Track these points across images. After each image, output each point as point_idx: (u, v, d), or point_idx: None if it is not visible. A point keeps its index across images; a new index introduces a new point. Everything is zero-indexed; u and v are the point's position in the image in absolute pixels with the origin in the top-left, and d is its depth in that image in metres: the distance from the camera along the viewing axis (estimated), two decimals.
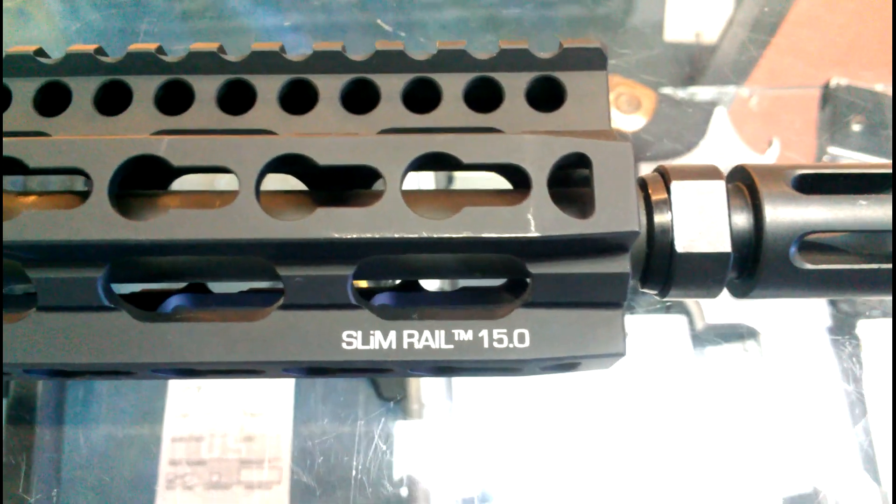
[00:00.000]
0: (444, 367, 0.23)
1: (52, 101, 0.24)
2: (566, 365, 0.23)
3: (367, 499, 0.59)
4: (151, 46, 0.24)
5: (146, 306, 0.25)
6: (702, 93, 0.86)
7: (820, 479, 0.58)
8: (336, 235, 0.20)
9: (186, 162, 0.21)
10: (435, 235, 0.20)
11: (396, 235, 0.20)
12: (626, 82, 0.82)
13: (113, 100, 0.24)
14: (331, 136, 0.21)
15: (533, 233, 0.20)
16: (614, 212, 0.20)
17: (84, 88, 0.24)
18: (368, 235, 0.20)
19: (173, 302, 0.26)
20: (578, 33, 0.92)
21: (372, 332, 0.22)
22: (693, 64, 0.97)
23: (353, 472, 0.59)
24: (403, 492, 0.59)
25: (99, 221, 0.20)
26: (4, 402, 0.59)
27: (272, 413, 0.62)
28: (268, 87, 0.24)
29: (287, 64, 0.24)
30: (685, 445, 0.59)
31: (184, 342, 0.22)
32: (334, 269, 0.21)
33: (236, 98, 0.24)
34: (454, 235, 0.20)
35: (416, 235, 0.20)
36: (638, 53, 0.94)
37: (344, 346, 0.22)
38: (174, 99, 0.24)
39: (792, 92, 0.83)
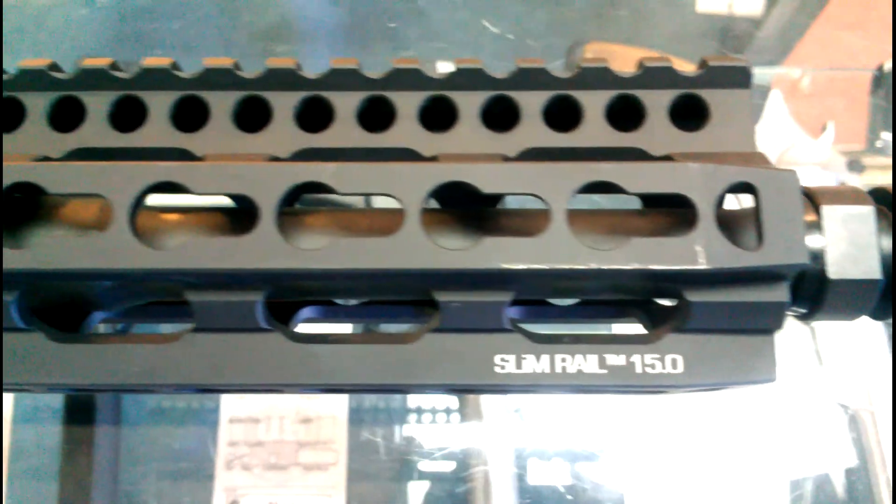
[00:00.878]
0: (589, 388, 0.23)
1: (191, 115, 0.24)
2: (711, 386, 0.23)
3: (422, 477, 0.60)
4: (290, 62, 0.24)
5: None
6: None
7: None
8: (505, 266, 0.20)
9: (351, 189, 0.20)
10: (604, 267, 0.20)
11: (566, 267, 0.20)
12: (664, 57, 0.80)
13: (251, 116, 0.24)
14: (492, 164, 0.21)
15: (702, 265, 0.20)
16: (783, 244, 0.20)
17: (222, 104, 0.24)
18: (538, 267, 0.20)
19: (304, 314, 0.26)
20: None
21: (524, 355, 0.22)
22: (728, 37, 0.95)
23: (409, 454, 0.60)
24: (458, 470, 0.59)
25: (267, 250, 0.20)
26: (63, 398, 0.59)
27: (328, 395, 0.62)
28: (408, 103, 0.24)
29: (428, 81, 0.24)
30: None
31: (337, 364, 0.22)
32: (493, 296, 0.21)
33: (375, 115, 0.24)
34: (624, 267, 0.20)
35: (584, 267, 0.20)
36: (668, 24, 0.92)
37: (497, 369, 0.22)
38: (313, 115, 0.24)
39: (842, 73, 0.82)
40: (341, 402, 0.62)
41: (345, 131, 0.24)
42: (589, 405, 0.61)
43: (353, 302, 0.27)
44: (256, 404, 0.62)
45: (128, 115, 0.24)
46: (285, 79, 0.23)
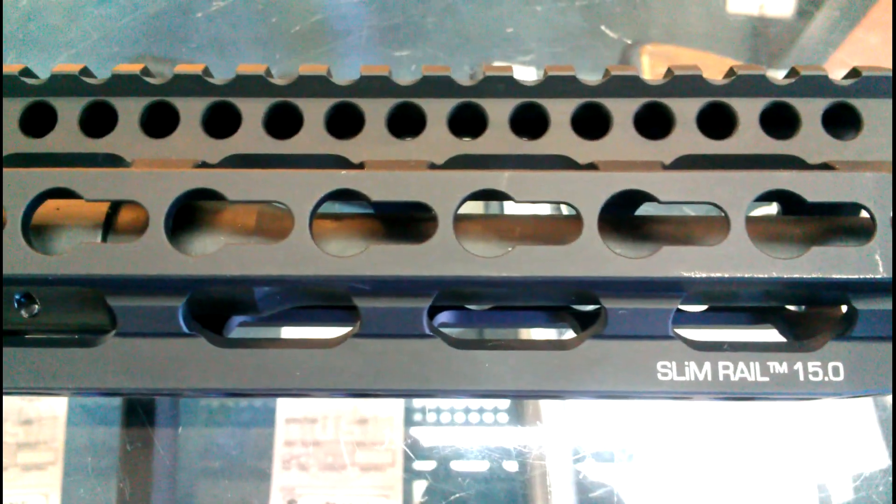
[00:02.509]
0: (749, 395, 0.23)
1: (283, 122, 0.24)
2: (865, 394, 0.23)
3: (479, 479, 0.60)
4: (444, 69, 0.24)
5: None
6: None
7: None
8: (685, 274, 0.20)
9: (526, 196, 0.21)
10: (785, 276, 0.20)
11: (747, 275, 0.20)
12: (702, 55, 0.78)
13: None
14: (668, 172, 0.21)
15: (882, 274, 0.20)
16: None
17: (377, 110, 0.24)
18: (717, 275, 0.20)
19: (442, 318, 0.26)
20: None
21: (686, 362, 0.22)
22: (759, 40, 0.95)
23: (465, 455, 0.60)
24: (517, 471, 0.60)
25: (447, 257, 0.20)
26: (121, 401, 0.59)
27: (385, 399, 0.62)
28: (561, 110, 0.24)
29: (581, 88, 0.24)
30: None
31: (498, 370, 0.22)
32: (661, 303, 0.21)
33: (527, 122, 0.24)
34: (805, 276, 0.20)
35: (765, 276, 0.20)
36: (699, 24, 0.92)
37: (659, 376, 0.22)
38: (464, 122, 0.24)
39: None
40: (397, 402, 0.62)
41: (498, 138, 0.24)
42: (626, 408, 0.62)
43: (484, 307, 0.27)
44: (313, 404, 0.63)
45: (283, 122, 0.24)
46: (439, 86, 0.24)
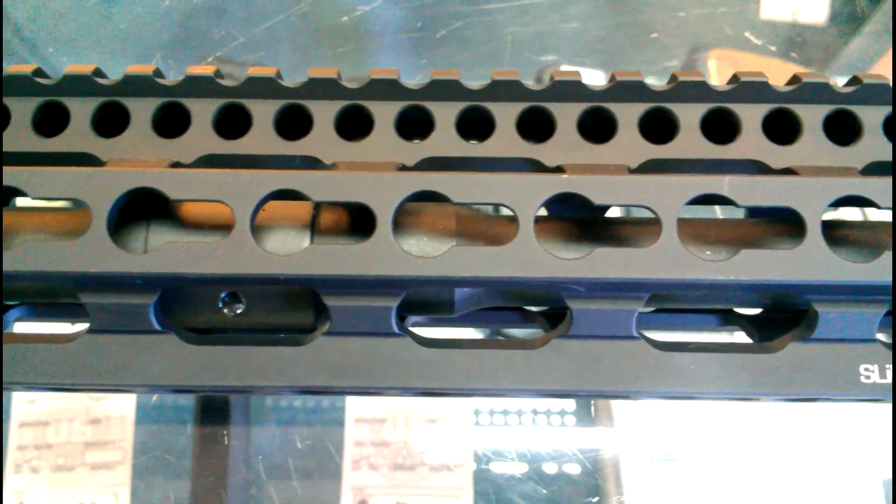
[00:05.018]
0: None
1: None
2: None
3: (552, 479, 0.60)
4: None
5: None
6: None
7: None
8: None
9: (748, 201, 0.21)
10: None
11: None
12: (766, 60, 0.78)
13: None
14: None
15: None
16: None
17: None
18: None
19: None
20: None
21: (887, 365, 0.22)
22: (794, 46, 0.96)
23: (537, 456, 0.61)
24: (590, 472, 0.60)
25: (670, 262, 0.21)
26: (194, 398, 0.60)
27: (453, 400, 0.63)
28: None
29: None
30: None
31: (702, 370, 0.22)
32: (869, 307, 0.22)
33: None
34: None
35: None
36: (732, 30, 0.93)
37: (862, 379, 0.22)
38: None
39: None
40: (466, 404, 0.63)
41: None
42: (696, 409, 0.62)
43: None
44: (382, 405, 0.63)
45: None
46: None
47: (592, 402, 0.60)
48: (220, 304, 0.23)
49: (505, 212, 0.25)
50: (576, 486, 0.60)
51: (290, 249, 0.23)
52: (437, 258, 0.21)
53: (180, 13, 0.85)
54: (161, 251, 0.21)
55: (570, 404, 0.62)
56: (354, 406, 0.63)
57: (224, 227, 0.23)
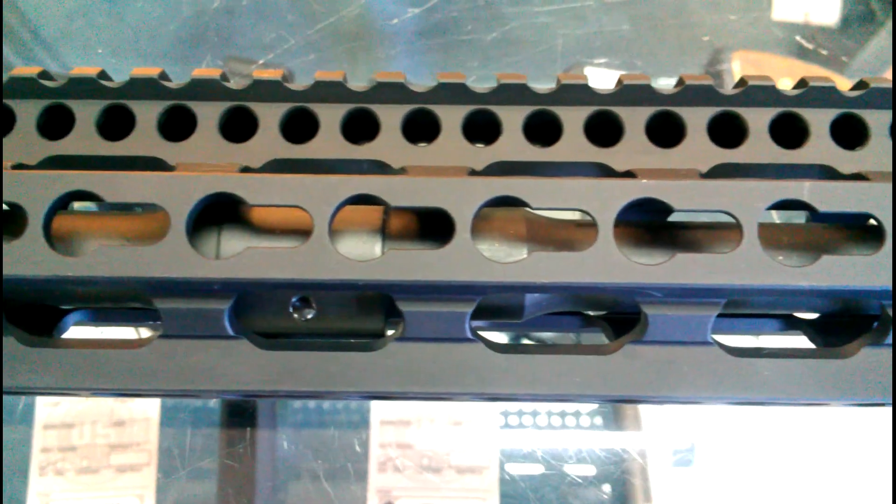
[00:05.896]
0: None
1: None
2: None
3: (578, 482, 0.60)
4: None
5: None
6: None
7: None
8: None
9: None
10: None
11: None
12: (790, 61, 0.78)
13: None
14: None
15: None
16: None
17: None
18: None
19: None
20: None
21: None
22: (809, 48, 0.95)
23: (564, 459, 0.60)
24: (616, 474, 0.60)
25: (750, 268, 0.21)
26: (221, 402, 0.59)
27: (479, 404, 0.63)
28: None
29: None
30: None
31: (779, 377, 0.22)
32: None
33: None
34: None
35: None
36: (745, 31, 0.93)
37: None
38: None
39: None
40: (491, 407, 0.63)
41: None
42: (726, 413, 0.62)
43: None
44: (407, 407, 0.63)
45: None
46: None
47: (615, 408, 0.60)
48: (291, 309, 0.23)
49: (566, 215, 0.25)
50: (603, 490, 0.60)
51: (362, 254, 0.22)
52: (518, 263, 0.21)
53: (194, 13, 0.85)
54: (241, 256, 0.21)
55: (596, 407, 0.62)
56: (379, 408, 0.63)
57: (297, 232, 0.23)
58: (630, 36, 0.65)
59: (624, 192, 0.21)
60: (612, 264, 0.21)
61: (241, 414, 0.60)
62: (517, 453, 0.61)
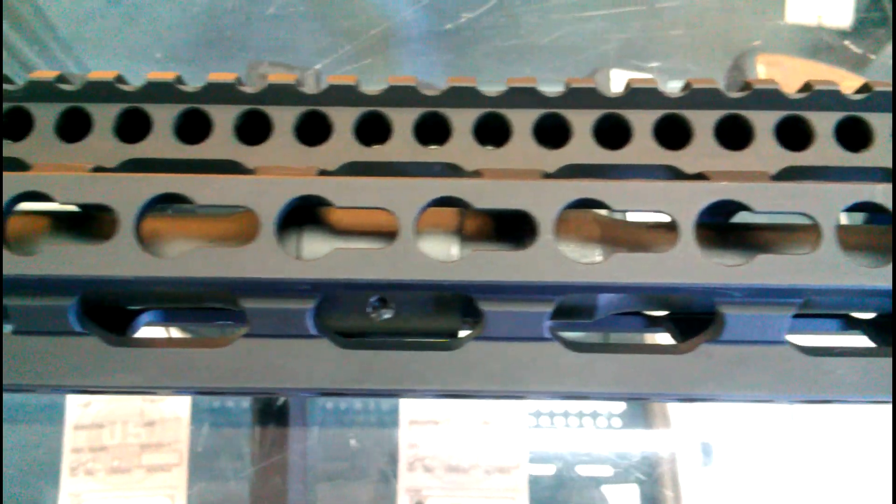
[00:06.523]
0: None
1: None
2: None
3: (606, 481, 0.61)
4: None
5: None
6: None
7: None
8: None
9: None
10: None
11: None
12: (813, 64, 0.78)
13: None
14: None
15: None
16: None
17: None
18: None
19: None
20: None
21: None
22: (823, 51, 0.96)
23: (591, 458, 0.61)
24: (646, 473, 0.60)
25: (826, 267, 0.21)
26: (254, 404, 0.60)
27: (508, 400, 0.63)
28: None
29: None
30: None
31: (845, 374, 0.23)
32: None
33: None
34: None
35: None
36: (758, 34, 0.93)
37: None
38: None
39: None
40: (521, 407, 0.63)
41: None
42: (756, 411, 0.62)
43: None
44: (436, 407, 0.63)
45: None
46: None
47: (648, 403, 0.61)
48: (369, 309, 0.24)
49: (633, 217, 0.26)
50: (632, 489, 0.61)
51: (440, 255, 0.23)
52: (601, 264, 0.21)
53: (207, 16, 0.86)
54: (330, 257, 0.21)
55: (624, 408, 0.62)
56: (408, 408, 0.63)
57: (376, 234, 0.23)
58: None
59: (704, 194, 0.21)
60: (695, 265, 0.21)
61: (272, 414, 0.60)
62: (546, 454, 0.62)
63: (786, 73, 0.65)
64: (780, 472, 0.61)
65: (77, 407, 0.64)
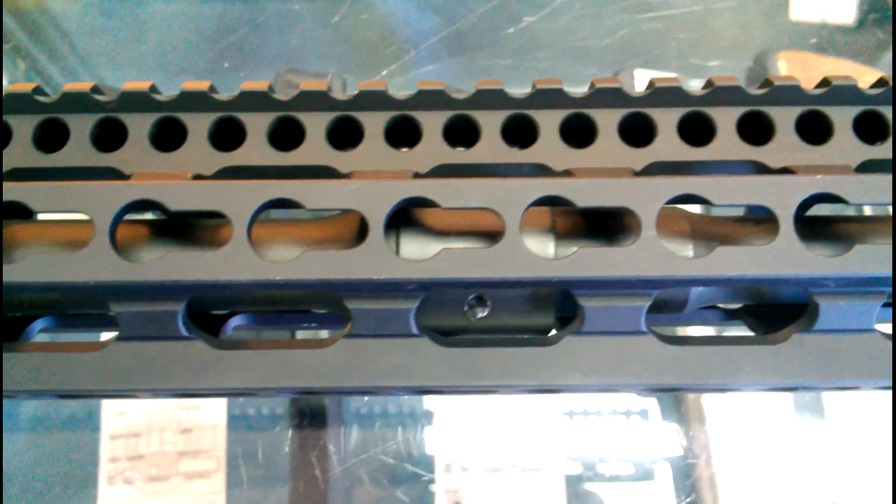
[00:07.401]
0: None
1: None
2: None
3: (643, 478, 0.61)
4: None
5: None
6: None
7: None
8: None
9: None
10: None
11: None
12: (836, 61, 0.78)
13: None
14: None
15: None
16: None
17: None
18: None
19: None
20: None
21: None
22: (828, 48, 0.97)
23: (627, 456, 0.61)
24: (682, 470, 0.61)
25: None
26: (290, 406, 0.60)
27: (546, 398, 0.64)
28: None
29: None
30: None
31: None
32: None
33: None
34: None
35: None
36: (763, 31, 0.94)
37: None
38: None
39: None
40: (554, 407, 0.63)
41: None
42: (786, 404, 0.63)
43: None
44: (470, 407, 0.63)
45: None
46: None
47: (680, 398, 0.61)
48: (466, 308, 0.24)
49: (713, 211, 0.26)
50: (667, 486, 0.61)
51: (540, 253, 0.23)
52: (704, 259, 0.22)
53: (216, 27, 0.86)
54: (438, 258, 0.21)
55: (655, 403, 0.63)
56: (442, 409, 0.64)
57: (474, 233, 0.24)
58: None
59: (802, 188, 0.22)
60: (796, 257, 0.21)
61: (310, 416, 0.61)
62: (581, 452, 0.62)
63: (808, 70, 0.65)
64: (819, 467, 0.61)
65: (112, 416, 0.64)
